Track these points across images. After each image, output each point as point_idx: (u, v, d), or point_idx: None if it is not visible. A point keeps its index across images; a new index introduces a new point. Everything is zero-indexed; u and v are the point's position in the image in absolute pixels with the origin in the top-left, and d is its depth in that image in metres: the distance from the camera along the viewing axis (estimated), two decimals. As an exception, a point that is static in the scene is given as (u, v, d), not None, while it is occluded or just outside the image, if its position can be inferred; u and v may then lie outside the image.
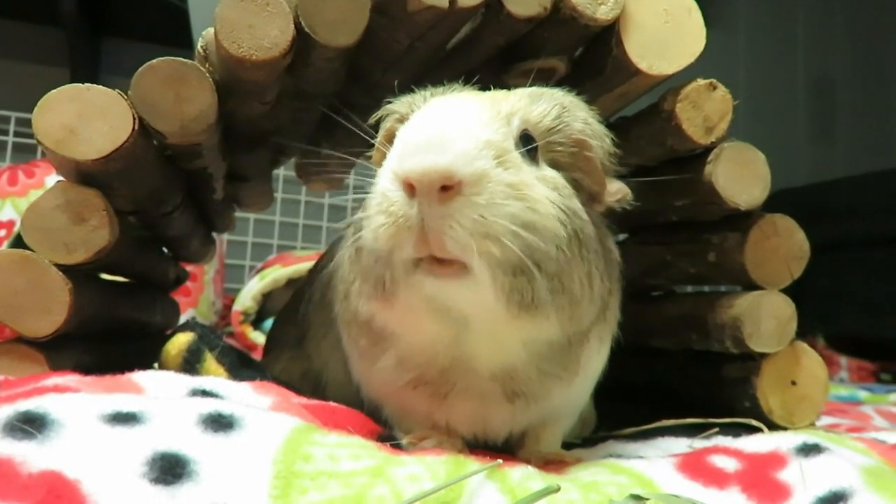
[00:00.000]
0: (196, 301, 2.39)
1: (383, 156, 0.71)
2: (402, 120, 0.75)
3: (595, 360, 0.81)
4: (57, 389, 0.62)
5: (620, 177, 0.80)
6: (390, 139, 0.73)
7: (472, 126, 0.65)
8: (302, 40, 0.80)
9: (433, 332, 0.69)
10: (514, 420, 0.77)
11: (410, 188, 0.62)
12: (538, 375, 0.73)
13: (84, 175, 0.81)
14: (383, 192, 0.64)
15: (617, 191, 0.77)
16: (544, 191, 0.67)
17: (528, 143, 0.70)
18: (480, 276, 0.63)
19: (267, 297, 2.46)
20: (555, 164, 0.73)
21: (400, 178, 0.63)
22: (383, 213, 0.64)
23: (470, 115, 0.67)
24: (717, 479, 0.68)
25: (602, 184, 0.76)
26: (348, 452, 0.58)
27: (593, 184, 0.75)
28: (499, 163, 0.64)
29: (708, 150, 0.93)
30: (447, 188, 0.61)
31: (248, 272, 2.87)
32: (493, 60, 0.98)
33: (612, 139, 0.77)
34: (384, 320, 0.73)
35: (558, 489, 0.58)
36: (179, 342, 0.93)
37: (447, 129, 0.63)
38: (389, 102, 0.79)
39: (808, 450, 0.72)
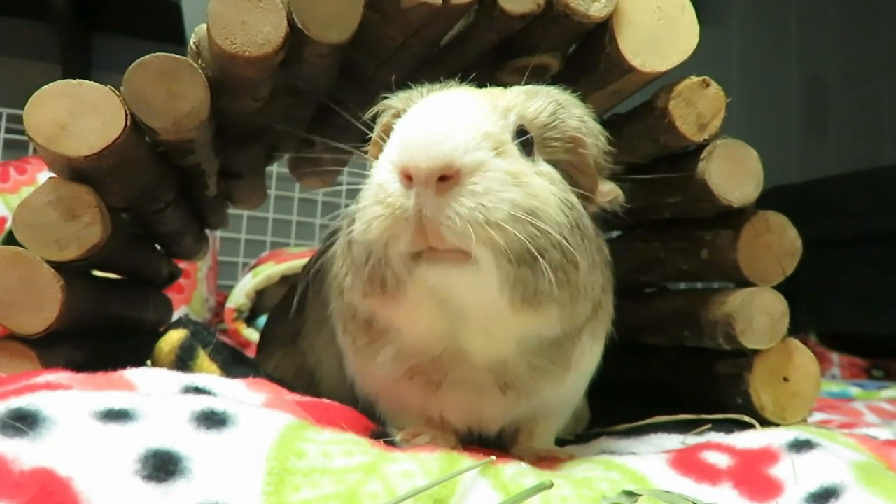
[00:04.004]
0: (189, 298, 2.39)
1: (380, 150, 0.71)
2: (398, 115, 0.75)
3: (588, 357, 0.81)
4: (49, 387, 0.62)
5: (614, 174, 0.80)
6: (387, 134, 0.73)
7: (470, 118, 0.65)
8: (295, 37, 0.80)
9: (430, 323, 0.69)
10: (507, 412, 0.77)
11: (408, 178, 0.61)
12: (528, 370, 0.73)
13: (76, 171, 0.81)
14: (380, 183, 0.64)
15: (609, 191, 0.77)
16: (542, 182, 0.68)
17: (524, 139, 0.70)
18: (484, 265, 0.63)
19: (260, 294, 2.46)
20: (550, 161, 0.73)
21: (398, 168, 0.62)
22: (379, 204, 0.63)
23: (468, 108, 0.67)
24: (709, 475, 0.68)
25: (595, 182, 0.76)
26: (341, 449, 0.58)
27: (586, 182, 0.75)
28: (497, 154, 0.64)
29: (701, 147, 0.93)
30: (446, 178, 0.61)
31: (242, 269, 2.87)
32: (486, 57, 0.98)
33: (607, 137, 0.77)
34: (387, 318, 0.72)
35: (551, 485, 0.58)
36: (172, 339, 0.93)
37: (446, 121, 0.63)
38: (385, 98, 0.79)
39: (800, 446, 0.72)
